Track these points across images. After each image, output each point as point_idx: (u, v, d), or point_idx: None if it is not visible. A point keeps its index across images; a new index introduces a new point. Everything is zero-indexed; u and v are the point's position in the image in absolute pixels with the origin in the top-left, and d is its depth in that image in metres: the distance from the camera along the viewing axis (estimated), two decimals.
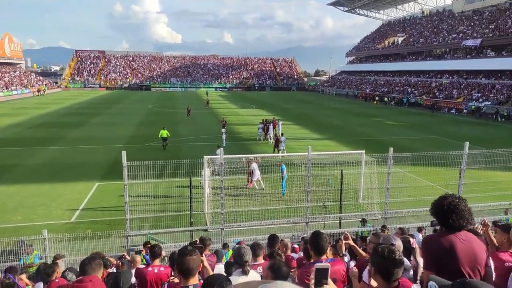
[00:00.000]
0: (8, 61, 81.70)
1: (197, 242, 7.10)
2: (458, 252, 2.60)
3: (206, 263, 3.75)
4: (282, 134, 24.53)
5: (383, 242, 4.07)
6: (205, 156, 13.67)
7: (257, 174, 15.89)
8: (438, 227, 3.05)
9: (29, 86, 74.90)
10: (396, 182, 13.66)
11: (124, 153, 10.27)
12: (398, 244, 3.91)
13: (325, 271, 2.40)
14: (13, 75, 76.60)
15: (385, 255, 2.58)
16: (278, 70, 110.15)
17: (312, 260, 3.88)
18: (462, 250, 2.61)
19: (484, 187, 13.02)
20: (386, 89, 69.05)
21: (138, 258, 6.36)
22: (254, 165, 15.83)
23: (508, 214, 11.77)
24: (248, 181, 16.15)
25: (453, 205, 2.73)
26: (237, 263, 4.10)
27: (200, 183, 14.02)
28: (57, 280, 3.85)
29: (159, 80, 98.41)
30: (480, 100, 47.82)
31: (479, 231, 5.24)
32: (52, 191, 16.13)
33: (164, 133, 24.25)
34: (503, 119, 40.83)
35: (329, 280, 2.45)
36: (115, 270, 6.38)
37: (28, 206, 14.32)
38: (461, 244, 2.64)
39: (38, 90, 73.73)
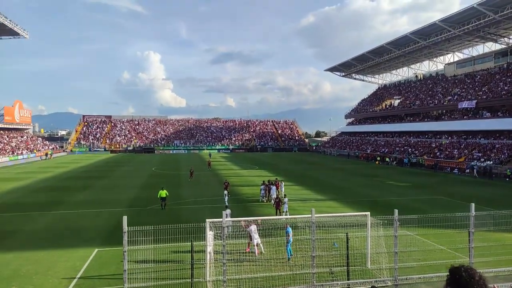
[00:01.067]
0: (17, 126, 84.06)
1: None
2: None
3: None
4: (285, 196, 24.27)
5: None
6: (207, 220, 13.44)
7: (255, 238, 15.33)
8: None
9: (35, 151, 76.13)
10: (404, 245, 13.26)
11: (125, 218, 10.16)
12: None
13: None
14: (20, 140, 78.26)
15: None
16: (279, 131, 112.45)
17: None
18: None
19: (496, 250, 12.58)
20: (386, 150, 69.77)
21: None
22: (252, 228, 15.34)
23: None
24: (248, 246, 15.66)
25: (469, 275, 2.59)
26: None
27: (204, 248, 13.58)
28: None
29: (163, 142, 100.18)
30: (482, 159, 48.01)
31: None
32: (49, 258, 15.62)
33: (163, 193, 24.57)
34: (507, 178, 40.58)
35: None
36: None
37: (24, 275, 13.78)
38: None
39: (46, 154, 75.42)
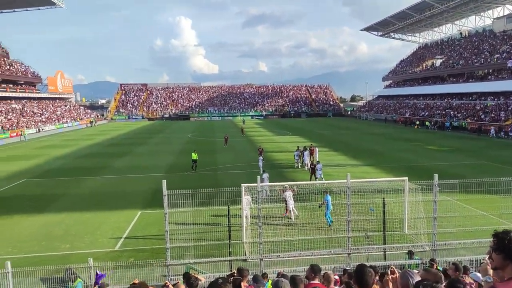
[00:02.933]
0: (60, 96, 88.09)
1: (235, 273, 7.01)
2: None
3: None
4: (318, 162, 24.11)
5: (401, 280, 3.77)
6: (242, 184, 13.73)
7: (291, 203, 15.62)
8: None
9: (78, 119, 79.92)
10: (443, 211, 12.93)
11: (164, 182, 10.55)
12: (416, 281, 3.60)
13: None
14: (64, 109, 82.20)
15: None
16: (313, 96, 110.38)
17: None
18: None
19: None
20: (426, 113, 66.85)
21: (183, 287, 6.35)
22: (287, 194, 15.62)
23: None
24: (285, 210, 15.96)
25: None
26: None
27: (240, 211, 13.97)
28: None
29: (197, 109, 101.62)
30: None
31: None
32: (97, 219, 16.74)
33: (195, 155, 26.92)
34: None
35: None
36: None
37: (75, 234, 14.90)
38: None
39: (90, 122, 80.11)
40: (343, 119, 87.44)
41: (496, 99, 56.49)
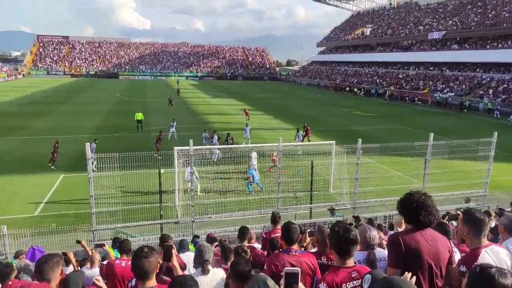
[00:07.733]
0: None
1: (166, 240, 6.95)
2: (423, 252, 2.67)
3: (175, 262, 3.67)
4: (246, 124, 24.63)
5: (360, 233, 4.13)
6: (175, 148, 13.42)
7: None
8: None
9: None
10: (364, 172, 13.97)
11: (87, 144, 9.92)
12: (373, 234, 3.94)
13: (295, 275, 2.37)
14: None
15: (340, 233, 2.82)
16: (250, 59, 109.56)
17: (284, 249, 3.87)
18: (427, 249, 2.69)
19: (448, 176, 13.58)
20: (355, 80, 70.36)
21: (97, 256, 6.14)
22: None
23: (470, 202, 12.34)
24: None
25: (421, 202, 2.79)
26: (198, 262, 4.00)
27: (173, 175, 13.71)
28: (10, 283, 3.58)
29: (127, 67, 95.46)
30: (444, 91, 49.70)
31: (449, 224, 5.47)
32: (14, 183, 15.37)
33: (139, 115, 26.61)
34: (465, 110, 42.47)
35: (300, 285, 2.42)
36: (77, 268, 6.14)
37: None
38: (426, 243, 2.71)
39: (9, 75, 72.04)
40: (279, 83, 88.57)
41: (417, 69, 61.15)
